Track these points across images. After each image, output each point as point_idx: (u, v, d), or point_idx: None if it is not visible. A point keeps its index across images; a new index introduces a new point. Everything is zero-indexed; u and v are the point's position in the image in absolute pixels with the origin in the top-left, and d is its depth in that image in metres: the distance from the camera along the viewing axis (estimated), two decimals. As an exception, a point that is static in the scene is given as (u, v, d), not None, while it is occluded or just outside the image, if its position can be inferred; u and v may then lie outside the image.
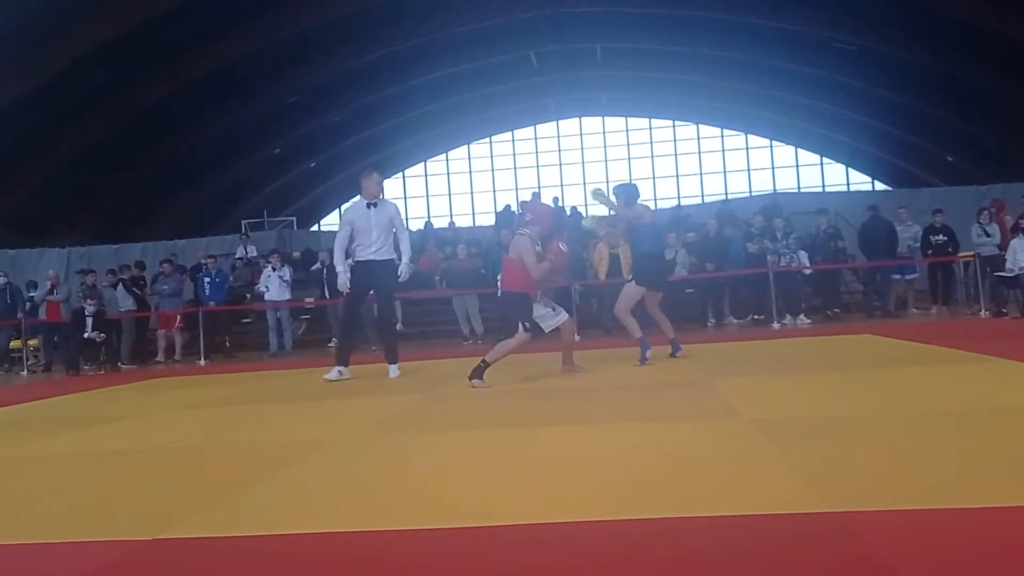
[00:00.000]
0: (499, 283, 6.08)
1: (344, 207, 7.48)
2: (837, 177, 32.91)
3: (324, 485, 2.97)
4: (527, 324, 5.65)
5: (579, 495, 2.52)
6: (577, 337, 9.49)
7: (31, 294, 13.20)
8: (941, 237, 11.78)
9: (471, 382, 5.54)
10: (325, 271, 13.25)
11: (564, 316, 5.97)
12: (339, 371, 6.88)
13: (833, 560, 1.83)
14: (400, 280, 6.99)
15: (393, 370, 6.98)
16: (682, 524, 2.14)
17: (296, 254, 16.25)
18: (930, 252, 11.71)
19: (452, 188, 35.19)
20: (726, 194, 29.77)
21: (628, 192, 6.79)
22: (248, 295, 14.11)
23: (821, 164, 33.33)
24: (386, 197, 7.31)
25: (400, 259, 6.97)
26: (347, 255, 6.98)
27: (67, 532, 2.50)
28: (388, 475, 3.08)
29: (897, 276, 12.05)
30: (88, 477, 3.48)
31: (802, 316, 11.40)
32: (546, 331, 5.88)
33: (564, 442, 3.49)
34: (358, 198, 6.97)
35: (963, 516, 2.06)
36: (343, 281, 6.85)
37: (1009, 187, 14.73)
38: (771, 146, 33.77)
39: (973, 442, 2.97)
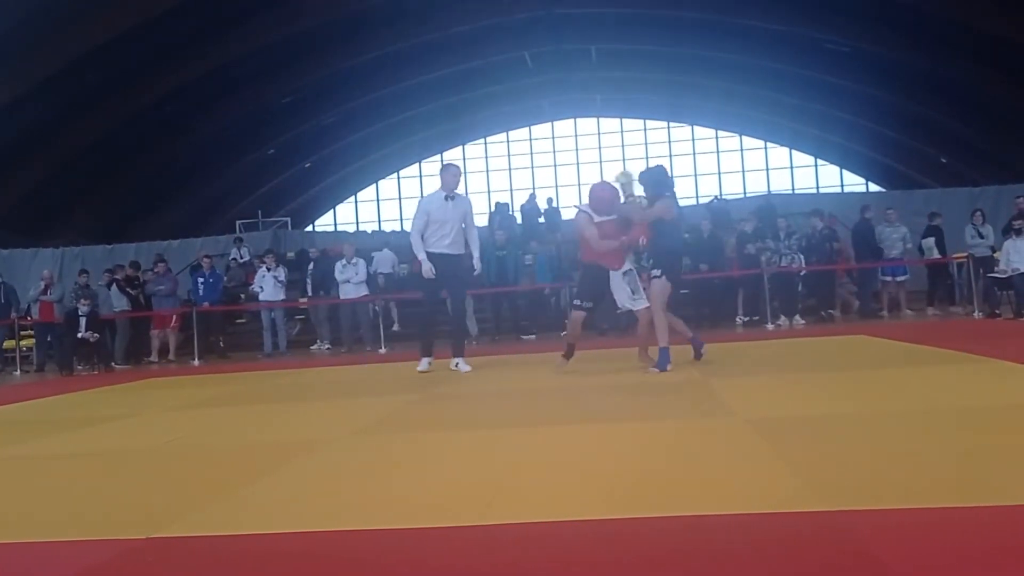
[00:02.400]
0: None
1: (421, 198, 7.57)
2: (831, 179, 33.00)
3: (319, 484, 2.96)
4: (579, 302, 6.16)
5: (576, 494, 2.52)
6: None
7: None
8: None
9: (566, 362, 6.19)
10: (311, 268, 13.27)
11: (643, 304, 5.94)
12: (428, 362, 6.85)
13: (830, 559, 1.83)
14: (475, 274, 7.25)
15: (463, 364, 6.79)
16: (679, 523, 2.14)
17: (290, 254, 16.21)
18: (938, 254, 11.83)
19: (447, 189, 35.15)
20: (720, 196, 29.78)
21: (656, 180, 6.05)
22: (243, 295, 14.07)
23: (815, 166, 33.39)
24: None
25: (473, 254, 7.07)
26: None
27: (61, 531, 2.49)
28: (384, 474, 3.07)
29: (888, 278, 12.05)
30: (82, 477, 3.46)
31: (797, 316, 11.43)
32: (619, 307, 6.18)
33: (560, 442, 3.48)
34: (436, 189, 6.95)
35: (959, 515, 2.06)
36: (427, 268, 6.68)
37: (1003, 188, 14.73)
38: (765, 148, 33.83)
39: (969, 441, 2.97)
